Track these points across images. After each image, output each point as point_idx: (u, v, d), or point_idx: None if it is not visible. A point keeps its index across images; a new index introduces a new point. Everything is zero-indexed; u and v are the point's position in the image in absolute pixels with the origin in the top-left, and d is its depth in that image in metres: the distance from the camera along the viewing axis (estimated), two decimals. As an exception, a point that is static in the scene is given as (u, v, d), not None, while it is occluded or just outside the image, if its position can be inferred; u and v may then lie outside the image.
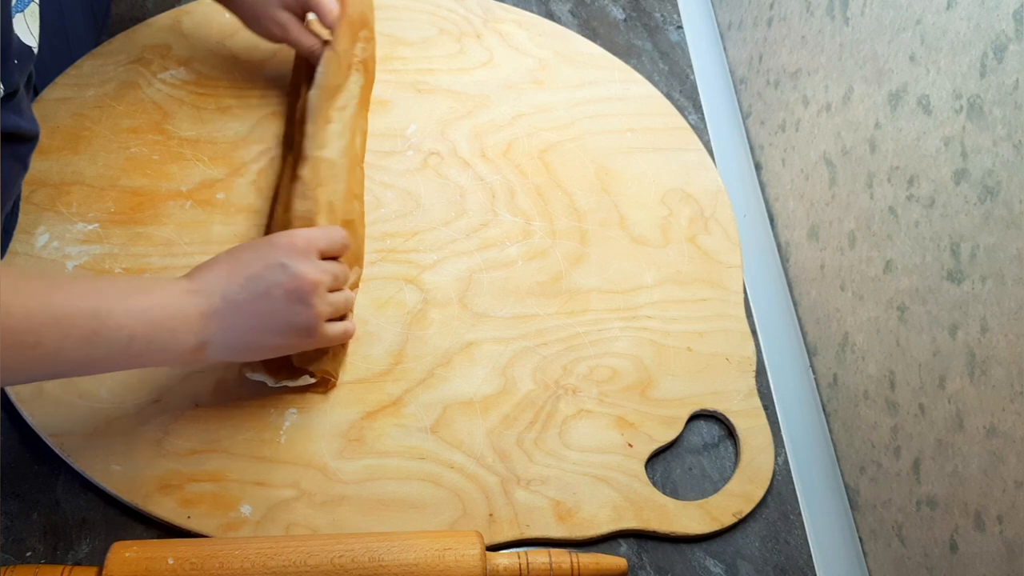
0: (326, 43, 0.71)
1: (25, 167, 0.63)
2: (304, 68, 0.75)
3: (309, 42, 0.71)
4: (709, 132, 0.83)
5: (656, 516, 0.58)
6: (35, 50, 0.58)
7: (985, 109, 0.51)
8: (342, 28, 0.71)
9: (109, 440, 0.57)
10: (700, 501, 0.59)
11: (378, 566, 0.51)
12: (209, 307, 0.52)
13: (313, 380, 0.60)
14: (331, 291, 0.57)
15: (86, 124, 0.72)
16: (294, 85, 0.76)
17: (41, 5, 0.60)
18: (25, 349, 0.45)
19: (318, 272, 0.55)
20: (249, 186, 0.70)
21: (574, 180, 0.75)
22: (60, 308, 0.46)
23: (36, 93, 0.71)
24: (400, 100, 0.78)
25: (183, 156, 0.70)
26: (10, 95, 0.57)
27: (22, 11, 0.56)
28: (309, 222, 0.61)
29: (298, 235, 0.56)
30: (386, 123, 0.76)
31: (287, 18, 0.70)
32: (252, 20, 0.72)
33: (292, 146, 0.70)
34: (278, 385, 0.60)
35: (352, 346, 0.63)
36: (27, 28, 0.57)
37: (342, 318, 0.59)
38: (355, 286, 0.63)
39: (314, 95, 0.68)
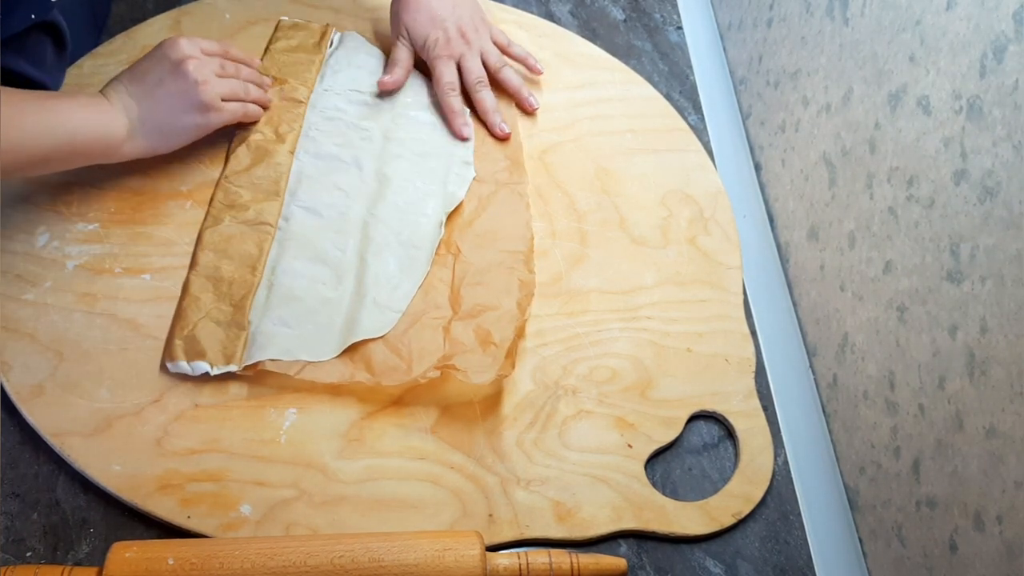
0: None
1: None
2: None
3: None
4: (709, 133, 0.83)
5: (656, 516, 0.58)
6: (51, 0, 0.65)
7: (985, 110, 0.52)
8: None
9: (109, 440, 0.57)
10: (700, 502, 0.59)
11: (378, 566, 0.51)
12: (122, 103, 0.63)
13: (234, 368, 0.59)
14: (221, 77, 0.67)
15: (86, 124, 0.72)
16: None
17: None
18: None
19: (196, 52, 0.65)
20: (249, 186, 0.70)
21: (574, 181, 0.75)
22: (16, 107, 0.57)
23: (68, 52, 0.73)
24: (400, 100, 0.78)
25: (183, 156, 0.70)
26: (17, 36, 0.63)
27: None
28: None
29: (179, 36, 0.67)
30: (386, 123, 0.76)
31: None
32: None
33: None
34: (200, 374, 0.59)
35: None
36: None
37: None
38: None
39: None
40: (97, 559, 0.53)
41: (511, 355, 0.61)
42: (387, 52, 0.80)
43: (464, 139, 0.74)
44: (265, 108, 0.73)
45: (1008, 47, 0.50)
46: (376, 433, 0.60)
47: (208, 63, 0.66)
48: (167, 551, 0.51)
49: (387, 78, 0.75)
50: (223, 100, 0.67)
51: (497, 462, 0.59)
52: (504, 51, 0.79)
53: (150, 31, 0.80)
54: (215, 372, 0.59)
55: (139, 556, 0.50)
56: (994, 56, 0.51)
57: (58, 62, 0.71)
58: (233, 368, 0.59)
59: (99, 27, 0.81)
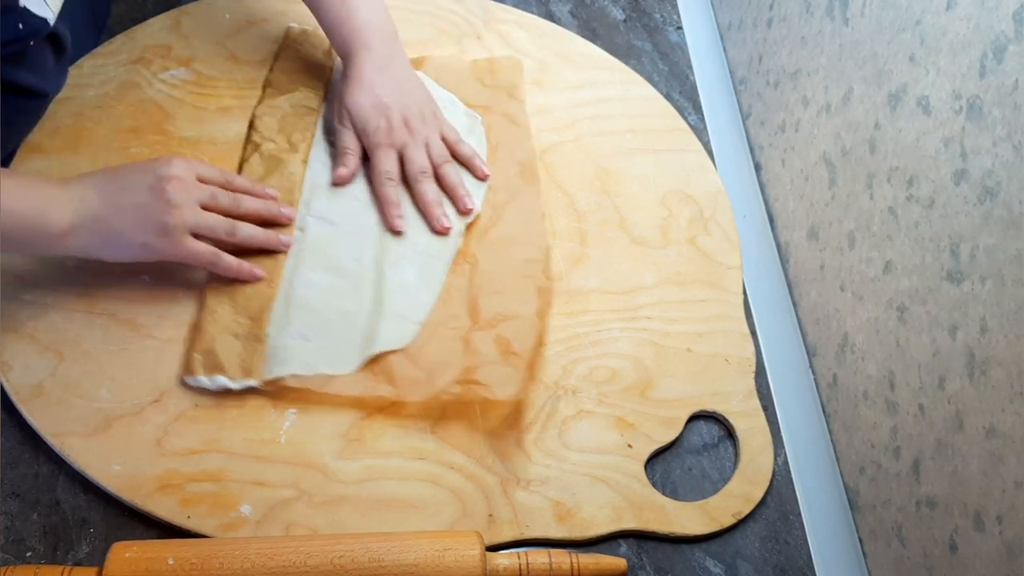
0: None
1: (33, 118, 0.70)
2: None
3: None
4: (709, 133, 0.83)
5: (656, 516, 0.58)
6: (50, 22, 0.63)
7: (985, 110, 0.52)
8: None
9: (109, 440, 0.57)
10: (700, 502, 0.59)
11: (378, 566, 0.51)
12: (80, 196, 0.57)
13: (255, 383, 0.59)
14: (208, 209, 0.61)
15: (87, 124, 0.72)
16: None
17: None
18: None
19: (187, 175, 0.60)
20: (249, 186, 0.70)
21: (574, 181, 0.75)
22: None
23: (68, 57, 0.72)
24: (400, 101, 0.78)
25: (183, 157, 0.69)
26: (18, 55, 0.63)
27: None
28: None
29: (177, 156, 0.61)
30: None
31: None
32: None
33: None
34: (220, 388, 0.59)
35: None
36: (42, 1, 0.61)
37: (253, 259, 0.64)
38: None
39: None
40: (97, 559, 0.53)
41: (532, 367, 0.61)
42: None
43: (397, 232, 0.68)
44: (271, 250, 0.65)
45: (1008, 47, 0.50)
46: (376, 433, 0.60)
47: (195, 190, 0.60)
48: (167, 551, 0.51)
49: (341, 170, 0.69)
50: (194, 235, 0.60)
51: (497, 462, 0.59)
52: (451, 148, 0.72)
53: (150, 31, 0.80)
54: (236, 387, 0.59)
55: (139, 556, 0.50)
56: (994, 56, 0.51)
57: (58, 67, 0.71)
58: (254, 383, 0.59)
59: (99, 27, 0.81)
